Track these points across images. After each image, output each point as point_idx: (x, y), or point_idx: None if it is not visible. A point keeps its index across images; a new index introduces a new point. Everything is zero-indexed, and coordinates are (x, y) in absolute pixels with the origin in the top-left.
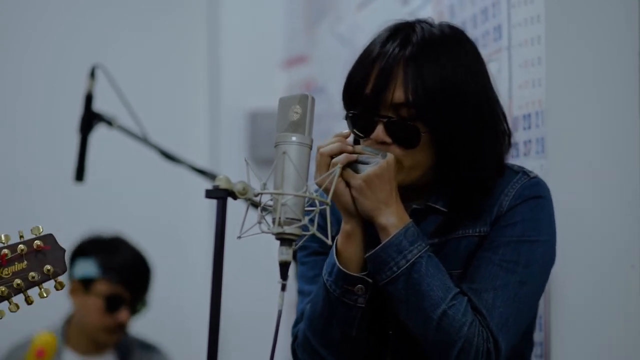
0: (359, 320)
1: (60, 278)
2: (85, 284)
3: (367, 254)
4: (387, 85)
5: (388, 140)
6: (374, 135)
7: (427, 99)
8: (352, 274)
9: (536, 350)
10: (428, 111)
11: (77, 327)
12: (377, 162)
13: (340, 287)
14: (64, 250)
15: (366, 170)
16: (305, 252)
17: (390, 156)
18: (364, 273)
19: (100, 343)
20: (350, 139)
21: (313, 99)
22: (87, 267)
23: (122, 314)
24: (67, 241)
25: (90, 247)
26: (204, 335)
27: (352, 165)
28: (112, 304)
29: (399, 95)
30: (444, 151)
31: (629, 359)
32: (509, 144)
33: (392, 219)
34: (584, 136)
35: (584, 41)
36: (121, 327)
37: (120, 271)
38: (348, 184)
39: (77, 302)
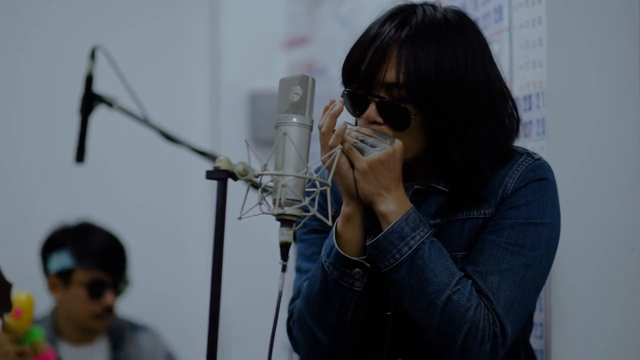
0: (355, 304)
1: (8, 318)
2: (63, 277)
3: (369, 242)
4: (381, 65)
5: (379, 120)
6: (366, 114)
7: (419, 81)
8: (350, 257)
9: (536, 331)
10: (419, 94)
11: (65, 320)
12: (384, 148)
13: (337, 270)
14: (10, 286)
15: (372, 154)
16: (304, 229)
17: (398, 143)
18: (363, 257)
19: (91, 330)
20: (351, 120)
21: (314, 80)
22: (61, 260)
23: (107, 297)
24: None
25: (60, 238)
26: (204, 318)
27: (359, 147)
28: (95, 290)
29: (390, 75)
30: (435, 135)
31: (629, 341)
32: (517, 130)
33: (392, 206)
34: (584, 117)
35: (585, 22)
36: (109, 311)
37: (95, 256)
38: (352, 166)
39: (59, 296)
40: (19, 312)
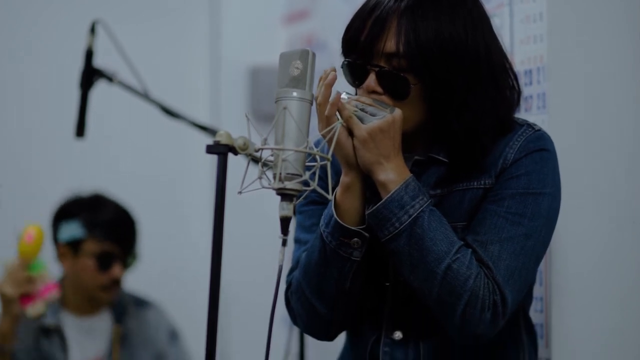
0: (353, 274)
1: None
2: (73, 247)
3: (368, 211)
4: (380, 35)
5: (379, 90)
6: (365, 84)
7: (419, 51)
8: (349, 226)
9: (536, 305)
10: (419, 64)
11: (71, 289)
12: (383, 116)
13: (336, 239)
14: None
15: (372, 122)
16: (303, 201)
17: (398, 112)
18: (361, 227)
19: (97, 302)
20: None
21: (314, 54)
22: (72, 229)
23: (116, 270)
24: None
25: (72, 209)
26: (205, 293)
27: (359, 115)
28: (104, 261)
29: (390, 45)
30: (435, 105)
31: (629, 314)
32: (518, 102)
33: (392, 174)
34: (585, 91)
35: None
36: (116, 283)
37: (107, 227)
38: (351, 134)
39: (67, 265)
40: (30, 237)
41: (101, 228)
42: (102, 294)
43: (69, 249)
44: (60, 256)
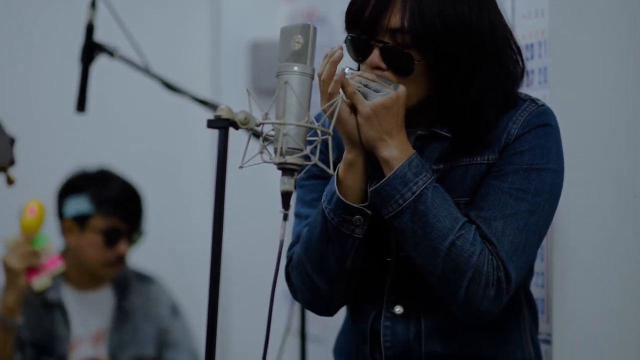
0: (355, 251)
1: (11, 172)
2: (80, 222)
3: (371, 188)
4: (385, 11)
5: (383, 65)
6: (369, 59)
7: (424, 27)
8: (351, 204)
9: (537, 280)
10: (423, 40)
11: (75, 263)
12: (387, 93)
13: (338, 216)
14: (13, 140)
15: (376, 98)
16: (303, 175)
17: (401, 88)
18: (364, 204)
19: (100, 277)
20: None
21: (315, 28)
22: (80, 205)
23: (121, 246)
24: (69, 170)
25: (79, 184)
26: (206, 266)
27: (362, 91)
28: (110, 237)
29: (395, 21)
30: (438, 81)
31: (630, 289)
32: (522, 76)
33: (395, 151)
34: (586, 66)
35: None
36: (121, 260)
37: (114, 203)
38: (355, 111)
39: (73, 240)
40: (33, 211)
41: (109, 204)
42: (106, 270)
43: (75, 224)
44: (66, 231)
